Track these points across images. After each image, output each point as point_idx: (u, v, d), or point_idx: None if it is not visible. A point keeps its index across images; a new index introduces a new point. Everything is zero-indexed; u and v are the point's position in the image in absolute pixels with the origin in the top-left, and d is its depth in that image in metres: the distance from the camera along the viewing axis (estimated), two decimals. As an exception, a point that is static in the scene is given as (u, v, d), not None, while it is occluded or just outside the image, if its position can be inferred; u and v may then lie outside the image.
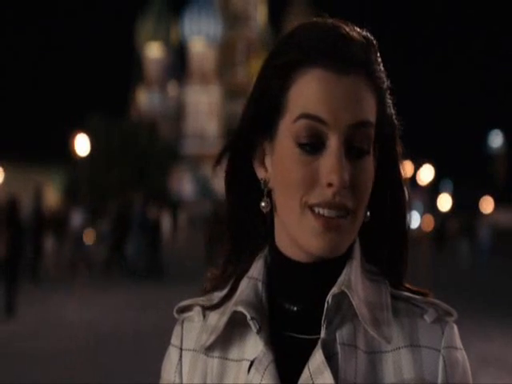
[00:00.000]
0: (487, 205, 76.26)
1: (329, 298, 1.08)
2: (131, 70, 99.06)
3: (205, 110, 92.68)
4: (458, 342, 1.13)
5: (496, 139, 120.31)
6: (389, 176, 1.15)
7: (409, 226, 1.17)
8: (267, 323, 1.11)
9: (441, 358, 1.09)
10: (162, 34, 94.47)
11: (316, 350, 1.06)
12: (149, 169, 63.70)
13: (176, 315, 1.21)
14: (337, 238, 1.07)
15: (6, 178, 49.05)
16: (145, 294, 16.83)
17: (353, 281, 1.09)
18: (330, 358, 1.06)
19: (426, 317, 1.11)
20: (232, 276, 1.19)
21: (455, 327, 1.13)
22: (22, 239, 14.92)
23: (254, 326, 1.10)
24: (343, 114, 1.06)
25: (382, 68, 1.13)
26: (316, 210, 1.06)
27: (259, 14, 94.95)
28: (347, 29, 1.10)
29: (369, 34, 1.13)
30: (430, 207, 70.11)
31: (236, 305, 1.12)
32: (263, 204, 1.14)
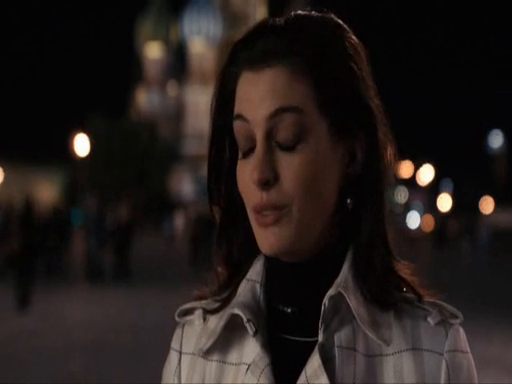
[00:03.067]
0: (487, 205, 76.27)
1: (325, 300, 1.04)
2: (131, 70, 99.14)
3: (204, 110, 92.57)
4: (464, 346, 1.08)
5: (496, 139, 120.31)
6: (367, 163, 1.09)
7: (383, 217, 1.09)
8: (264, 325, 1.09)
9: (443, 362, 1.05)
10: (161, 34, 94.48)
11: (313, 353, 1.04)
12: (148, 169, 63.72)
13: (177, 319, 1.19)
14: (279, 232, 1.03)
15: (6, 178, 48.97)
16: (145, 294, 16.80)
17: (350, 281, 1.06)
18: (328, 362, 1.03)
19: (429, 319, 1.08)
20: (232, 279, 1.17)
21: (461, 330, 1.09)
22: (36, 237, 15.51)
23: (250, 329, 1.08)
24: (260, 106, 1.03)
25: (338, 51, 1.07)
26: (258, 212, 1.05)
27: (259, 14, 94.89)
28: (271, 22, 1.08)
29: (314, 17, 1.09)
30: (430, 207, 70.19)
31: (233, 307, 1.10)
32: None
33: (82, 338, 11.20)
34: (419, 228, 55.97)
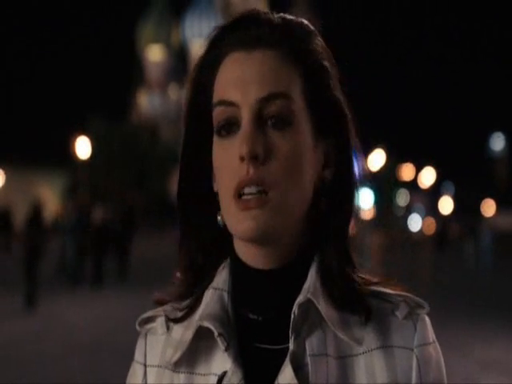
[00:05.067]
0: (489, 208, 76.19)
1: (295, 308, 1.04)
2: (132, 72, 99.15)
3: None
4: (431, 336, 1.09)
5: (498, 142, 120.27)
6: (339, 168, 1.10)
7: (347, 223, 1.10)
8: (235, 336, 1.07)
9: (414, 357, 1.06)
10: (162, 36, 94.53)
11: (285, 363, 1.03)
12: (149, 171, 63.74)
13: (138, 328, 1.17)
14: (262, 216, 1.02)
15: (7, 181, 48.99)
16: (146, 297, 16.77)
17: (318, 286, 1.05)
18: (300, 370, 1.03)
19: (397, 313, 1.07)
20: (195, 286, 1.14)
21: (427, 320, 1.09)
22: (44, 241, 15.86)
23: (221, 343, 1.05)
24: (252, 88, 1.03)
25: (319, 52, 1.10)
26: (240, 194, 1.03)
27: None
28: (262, 13, 1.10)
29: (295, 20, 1.12)
30: (432, 210, 70.12)
31: (201, 319, 1.08)
32: (219, 218, 1.10)
33: (83, 339, 11.18)
34: (421, 231, 55.86)
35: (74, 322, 13.00)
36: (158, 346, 1.13)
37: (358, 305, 1.06)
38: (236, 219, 1.03)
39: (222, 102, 1.05)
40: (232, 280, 1.11)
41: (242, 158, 1.02)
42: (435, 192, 72.87)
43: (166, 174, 66.12)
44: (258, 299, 1.08)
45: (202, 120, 1.10)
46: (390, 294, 1.09)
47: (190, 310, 1.12)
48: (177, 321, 1.12)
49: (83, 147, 32.90)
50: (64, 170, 57.89)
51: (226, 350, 1.05)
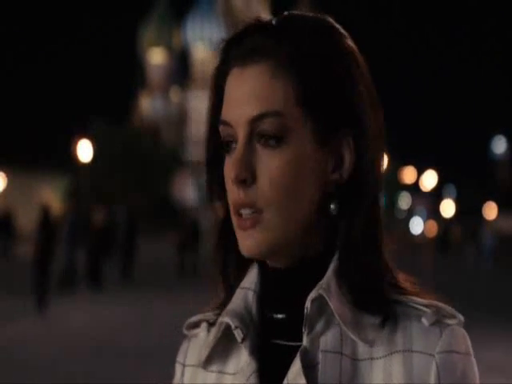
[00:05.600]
0: (490, 210, 76.13)
1: (307, 303, 1.04)
2: (134, 75, 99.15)
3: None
4: (461, 347, 1.04)
5: (499, 145, 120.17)
6: (357, 168, 1.07)
7: (373, 222, 1.07)
8: (255, 332, 1.09)
9: (433, 362, 1.02)
10: (164, 39, 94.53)
11: (295, 360, 1.03)
12: (151, 174, 63.73)
13: (185, 331, 1.19)
14: (257, 235, 1.04)
15: (8, 184, 48.99)
16: (148, 299, 16.76)
17: (334, 284, 1.05)
18: (312, 367, 1.02)
19: (424, 320, 1.04)
20: (231, 289, 1.15)
21: (460, 331, 1.05)
22: (53, 244, 16.09)
23: (238, 336, 1.08)
24: (242, 110, 1.04)
25: (320, 53, 1.06)
26: (239, 212, 1.05)
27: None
28: (260, 21, 1.09)
29: (298, 20, 1.08)
30: (434, 213, 70.03)
31: (223, 316, 1.10)
32: None
33: (85, 341, 11.19)
34: (422, 233, 55.86)
35: (76, 325, 13.01)
36: (197, 348, 1.16)
37: (376, 307, 1.04)
38: (238, 236, 1.06)
39: (221, 122, 1.07)
40: (260, 280, 1.13)
41: (232, 182, 1.04)
42: (437, 195, 72.84)
43: (167, 176, 66.13)
44: (277, 297, 1.09)
45: (218, 130, 1.10)
46: (419, 301, 1.06)
47: (222, 311, 1.13)
48: (213, 324, 1.15)
49: (85, 150, 32.94)
50: (66, 172, 57.87)
51: (242, 342, 1.07)
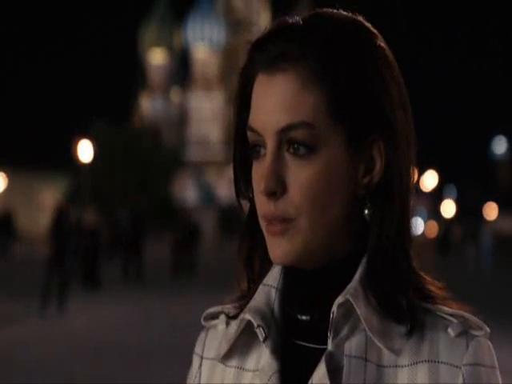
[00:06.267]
0: (491, 211, 76.09)
1: (334, 307, 1.02)
2: (134, 76, 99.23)
3: (208, 116, 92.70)
4: (488, 360, 1.04)
5: (500, 145, 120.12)
6: (388, 172, 1.06)
7: (403, 227, 1.07)
8: (277, 331, 1.08)
9: (460, 375, 1.01)
10: (165, 40, 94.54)
11: (320, 362, 1.02)
12: (152, 175, 63.71)
13: (203, 322, 1.18)
14: (286, 244, 1.03)
15: (9, 184, 48.99)
16: (151, 299, 16.77)
17: (361, 289, 1.03)
18: (336, 371, 1.01)
19: (450, 330, 1.03)
20: (254, 284, 1.14)
21: (486, 343, 1.04)
22: (67, 243, 16.27)
23: (260, 335, 1.06)
24: (271, 119, 1.02)
25: (352, 57, 1.03)
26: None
27: (262, 20, 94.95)
28: (285, 22, 1.06)
29: (325, 21, 1.05)
30: (434, 213, 70.02)
31: (245, 313, 1.09)
32: None
33: (86, 341, 11.19)
34: (423, 234, 55.87)
35: (77, 325, 13.01)
36: (216, 340, 1.14)
37: (404, 315, 1.03)
38: (268, 242, 1.05)
39: (249, 128, 1.05)
40: (284, 278, 1.11)
41: (261, 193, 1.03)
42: (437, 195, 72.76)
43: (168, 176, 66.14)
44: (303, 298, 1.08)
45: (245, 130, 1.09)
46: (446, 310, 1.04)
47: (244, 307, 1.12)
48: (233, 317, 1.14)
49: (85, 150, 32.96)
50: (66, 173, 57.89)
51: (264, 341, 1.06)
